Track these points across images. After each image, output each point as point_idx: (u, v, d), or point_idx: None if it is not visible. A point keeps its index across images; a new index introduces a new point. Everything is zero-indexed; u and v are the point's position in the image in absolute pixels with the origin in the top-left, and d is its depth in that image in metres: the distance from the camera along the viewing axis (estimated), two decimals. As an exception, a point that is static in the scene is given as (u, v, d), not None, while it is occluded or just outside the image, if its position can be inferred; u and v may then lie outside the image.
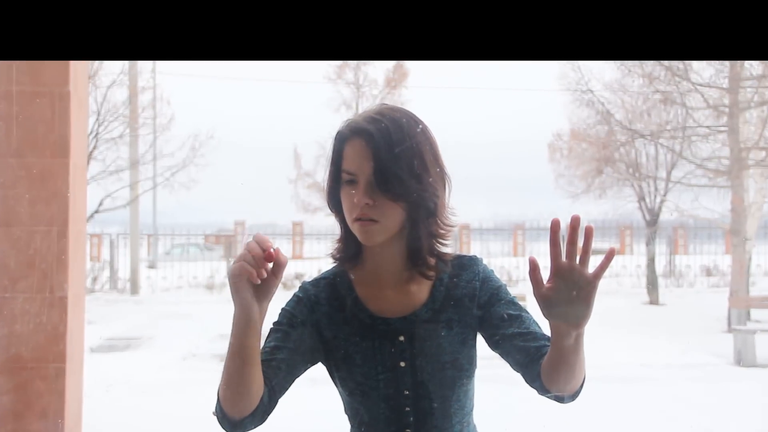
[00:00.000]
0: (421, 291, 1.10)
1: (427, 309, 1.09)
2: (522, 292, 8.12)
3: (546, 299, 0.89)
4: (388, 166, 1.00)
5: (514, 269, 13.95)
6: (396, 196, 1.01)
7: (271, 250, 0.91)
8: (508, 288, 1.13)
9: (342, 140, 1.05)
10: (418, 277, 1.10)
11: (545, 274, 0.89)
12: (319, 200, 18.19)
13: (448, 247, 1.11)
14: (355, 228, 1.04)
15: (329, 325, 1.09)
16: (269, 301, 0.96)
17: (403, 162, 1.00)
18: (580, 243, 0.87)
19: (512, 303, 1.10)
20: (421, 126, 1.06)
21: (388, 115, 1.03)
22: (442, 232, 1.09)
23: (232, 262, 0.92)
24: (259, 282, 0.92)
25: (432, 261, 1.09)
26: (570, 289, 0.87)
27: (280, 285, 0.96)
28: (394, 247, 1.08)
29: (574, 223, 0.85)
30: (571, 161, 12.66)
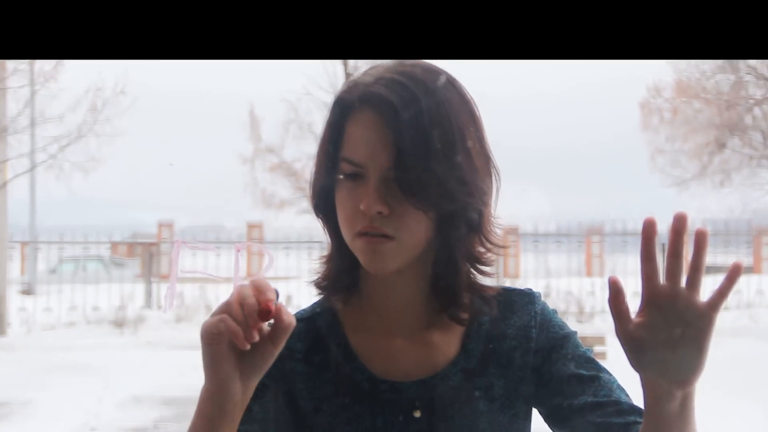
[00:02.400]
0: (448, 342, 1.12)
1: (458, 369, 1.10)
2: (600, 331, 8.12)
3: (635, 341, 0.89)
4: (416, 157, 0.99)
5: (586, 296, 13.97)
6: (426, 203, 1.01)
7: (272, 304, 0.89)
8: (579, 331, 1.15)
9: (344, 111, 1.05)
10: (445, 320, 1.11)
11: (634, 303, 0.90)
12: (288, 189, 18.27)
13: (491, 276, 1.13)
14: (357, 246, 1.04)
15: (308, 391, 1.10)
16: (258, 377, 0.94)
17: (439, 150, 1.00)
18: (689, 256, 0.88)
19: (585, 359, 1.11)
20: (462, 92, 1.06)
21: (416, 76, 1.03)
22: (484, 253, 1.10)
23: (209, 314, 0.90)
24: (248, 348, 0.89)
25: (467, 297, 1.11)
26: (672, 325, 0.88)
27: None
28: (412, 275, 1.09)
29: (679, 224, 0.86)
30: (676, 129, 12.65)
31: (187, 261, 0.96)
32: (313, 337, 1.13)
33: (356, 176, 1.03)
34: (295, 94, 16.74)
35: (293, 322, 0.90)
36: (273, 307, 0.88)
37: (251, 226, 20.20)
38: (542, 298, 1.17)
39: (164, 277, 15.42)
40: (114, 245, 18.08)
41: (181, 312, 13.84)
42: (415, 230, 1.02)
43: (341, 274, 1.11)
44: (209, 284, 14.44)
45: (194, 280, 13.95)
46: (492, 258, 1.11)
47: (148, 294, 15.00)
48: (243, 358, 0.91)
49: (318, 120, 17.64)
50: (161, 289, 14.94)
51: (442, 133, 1.00)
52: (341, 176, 1.04)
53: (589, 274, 16.97)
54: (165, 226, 20.11)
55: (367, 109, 1.02)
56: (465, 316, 1.10)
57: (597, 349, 6.50)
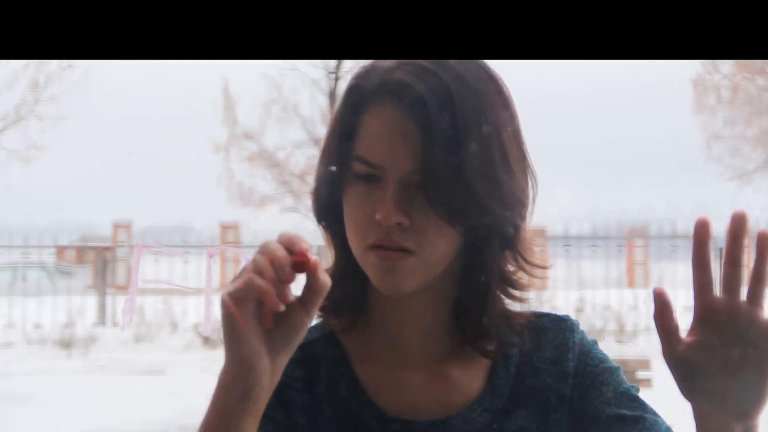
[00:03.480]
0: (471, 376, 1.13)
1: (482, 409, 1.11)
2: (644, 353, 8.12)
3: (686, 365, 0.90)
4: (446, 159, 1.00)
5: (628, 311, 13.99)
6: (456, 215, 1.01)
7: (309, 253, 0.90)
8: (619, 354, 1.15)
9: (359, 100, 1.06)
10: (468, 352, 1.12)
11: (685, 319, 0.89)
12: (270, 183, 18.28)
13: (524, 302, 1.14)
14: (369, 261, 1.05)
15: (309, 427, 1.10)
16: (289, 354, 0.94)
17: (473, 152, 1.01)
18: (750, 263, 0.88)
19: (628, 397, 1.12)
20: (497, 82, 1.07)
21: (445, 62, 1.04)
22: (517, 272, 1.11)
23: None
24: (283, 309, 0.89)
25: (495, 326, 1.11)
26: (730, 345, 0.88)
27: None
28: (432, 298, 1.10)
29: (738, 225, 0.86)
30: (736, 111, 12.66)
31: (149, 269, 0.97)
32: (313, 365, 1.13)
33: (371, 179, 1.04)
34: (278, 70, 16.78)
35: (329, 282, 0.91)
36: (310, 257, 0.89)
37: (226, 227, 20.24)
38: (580, 326, 1.18)
39: (121, 289, 15.44)
40: (60, 250, 18.11)
41: (142, 330, 13.86)
42: (438, 245, 1.03)
43: (346, 293, 1.12)
44: (175, 297, 14.46)
45: (157, 291, 13.96)
46: (526, 281, 1.12)
47: (102, 308, 15.02)
48: (270, 330, 0.91)
49: (305, 100, 17.68)
50: (117, 303, 14.95)
51: (477, 130, 1.01)
52: (353, 178, 1.05)
53: (630, 284, 16.98)
54: (122, 227, 20.16)
55: (388, 99, 1.03)
56: (492, 347, 1.11)
57: (640, 374, 6.50)
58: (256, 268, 0.88)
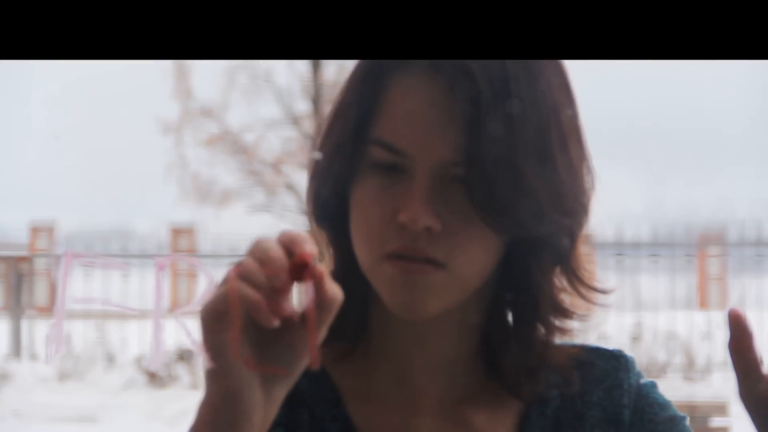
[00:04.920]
0: (499, 424, 1.14)
1: None
2: (719, 393, 8.14)
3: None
4: (496, 149, 1.00)
5: (699, 340, 13.98)
6: (506, 221, 1.02)
7: (311, 257, 0.87)
8: (690, 395, 1.16)
9: (381, 68, 1.07)
10: (496, 393, 1.14)
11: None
12: (234, 173, 18.28)
13: (573, 335, 1.15)
14: (383, 274, 1.06)
15: None
16: (288, 386, 0.92)
17: (531, 142, 1.02)
18: None
19: None
20: (556, 64, 1.09)
21: None
22: (566, 296, 1.12)
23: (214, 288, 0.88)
24: (275, 324, 0.86)
25: (534, 362, 1.12)
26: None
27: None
28: (455, 324, 1.11)
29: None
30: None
31: (78, 285, 0.97)
32: (295, 407, 1.13)
33: (394, 169, 1.04)
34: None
35: (339, 296, 0.88)
36: (311, 262, 0.87)
37: (177, 232, 20.27)
38: (635, 363, 1.19)
39: (41, 311, 15.45)
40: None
41: (68, 365, 13.87)
42: (475, 258, 1.04)
43: (343, 314, 1.12)
44: (112, 321, 14.48)
45: (89, 314, 13.97)
46: (579, 308, 1.12)
47: (16, 337, 15.04)
48: (265, 351, 0.89)
49: (280, 66, 17.64)
50: (37, 330, 14.96)
51: (536, 116, 1.02)
52: (369, 167, 1.06)
53: (703, 305, 17.00)
54: (42, 230, 20.19)
55: (422, 68, 1.04)
56: (527, 390, 1.12)
57: (715, 421, 6.52)
58: (244, 273, 0.85)
